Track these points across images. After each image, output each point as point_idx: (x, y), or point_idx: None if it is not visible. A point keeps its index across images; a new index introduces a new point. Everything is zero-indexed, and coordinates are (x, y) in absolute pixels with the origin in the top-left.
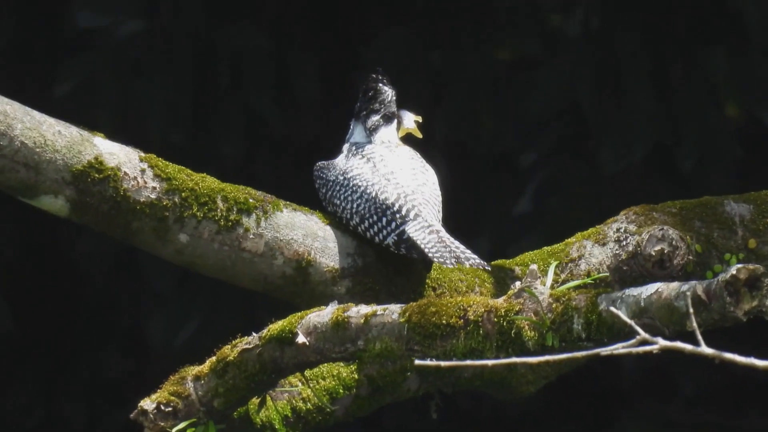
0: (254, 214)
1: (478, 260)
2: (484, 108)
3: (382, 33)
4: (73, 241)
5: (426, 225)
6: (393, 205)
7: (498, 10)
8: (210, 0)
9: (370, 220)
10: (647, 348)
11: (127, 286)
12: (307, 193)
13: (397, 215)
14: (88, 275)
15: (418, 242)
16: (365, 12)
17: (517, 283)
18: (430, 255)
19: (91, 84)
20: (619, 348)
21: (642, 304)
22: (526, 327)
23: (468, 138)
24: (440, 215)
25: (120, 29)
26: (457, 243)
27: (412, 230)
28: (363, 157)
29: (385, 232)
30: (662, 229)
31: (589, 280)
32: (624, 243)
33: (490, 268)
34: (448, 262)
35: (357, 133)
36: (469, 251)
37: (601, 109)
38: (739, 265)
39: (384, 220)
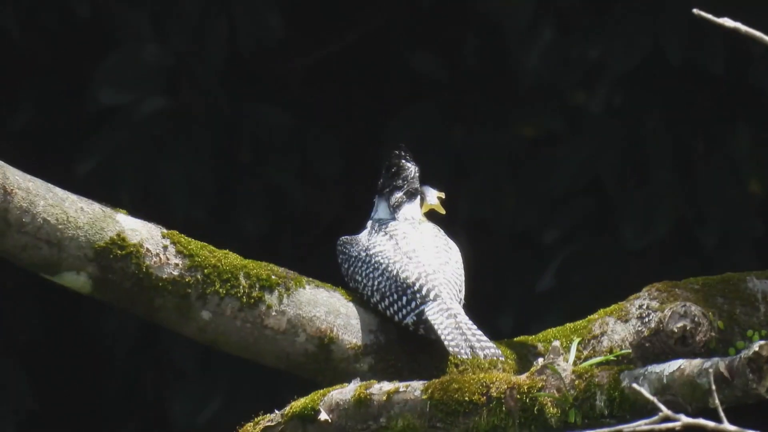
0: (276, 291)
1: (492, 350)
2: (506, 185)
3: (405, 109)
4: (96, 318)
5: (445, 308)
6: (414, 284)
7: (521, 86)
8: (231, 77)
9: (391, 299)
10: (670, 425)
11: (151, 364)
12: (330, 269)
13: (417, 295)
14: (111, 353)
15: (436, 327)
16: (387, 87)
17: (540, 360)
18: (446, 343)
19: (113, 161)
20: (641, 425)
21: (664, 380)
22: (549, 404)
23: (491, 215)
24: (462, 294)
25: (142, 106)
26: (474, 329)
27: (431, 313)
28: (386, 234)
29: (405, 311)
30: (684, 305)
31: (611, 357)
32: (646, 320)
33: (503, 359)
34: (462, 352)
35: (381, 209)
36: (485, 339)
37: (623, 185)
38: (762, 342)
39: (404, 299)
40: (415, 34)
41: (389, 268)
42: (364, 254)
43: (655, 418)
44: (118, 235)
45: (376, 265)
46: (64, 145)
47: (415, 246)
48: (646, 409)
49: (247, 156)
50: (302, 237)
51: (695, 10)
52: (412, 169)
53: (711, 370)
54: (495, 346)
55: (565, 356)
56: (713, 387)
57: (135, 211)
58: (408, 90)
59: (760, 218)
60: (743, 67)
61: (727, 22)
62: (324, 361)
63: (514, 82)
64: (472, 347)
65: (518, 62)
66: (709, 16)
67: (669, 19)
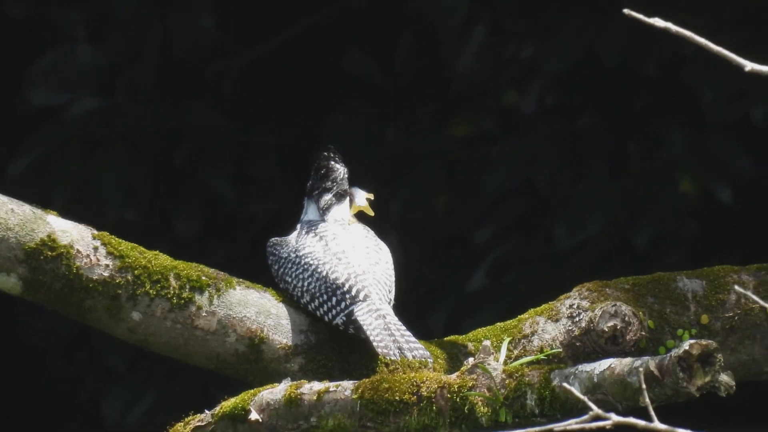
0: (207, 292)
1: (421, 351)
2: (439, 185)
3: (338, 109)
4: (28, 319)
5: (374, 308)
6: (343, 285)
7: (454, 86)
8: (166, 79)
9: (320, 299)
10: (600, 423)
11: (83, 364)
12: (264, 271)
13: (347, 296)
14: (44, 354)
15: (365, 327)
16: (321, 88)
17: (471, 359)
18: (374, 344)
19: (46, 162)
20: (572, 424)
21: (595, 379)
22: (480, 403)
23: (423, 215)
24: (392, 294)
25: (75, 107)
26: (403, 330)
27: (360, 313)
28: (315, 235)
29: (334, 311)
30: (615, 305)
31: (542, 356)
32: (577, 319)
33: (432, 361)
34: (391, 353)
35: (310, 211)
36: (414, 340)
37: (557, 185)
38: (692, 341)
39: (334, 299)
40: (349, 35)
41: (319, 269)
42: (293, 255)
43: (586, 417)
44: (49, 236)
45: (305, 266)
46: None
47: (344, 247)
48: (576, 408)
49: (182, 157)
50: (236, 238)
51: (626, 10)
52: (341, 170)
53: (641, 369)
54: (424, 347)
55: (495, 355)
56: (643, 386)
57: (68, 213)
58: (342, 90)
59: (693, 219)
60: (676, 68)
61: (658, 22)
62: (254, 361)
63: (448, 82)
64: (400, 348)
65: (451, 62)
66: (640, 16)
67: (603, 20)
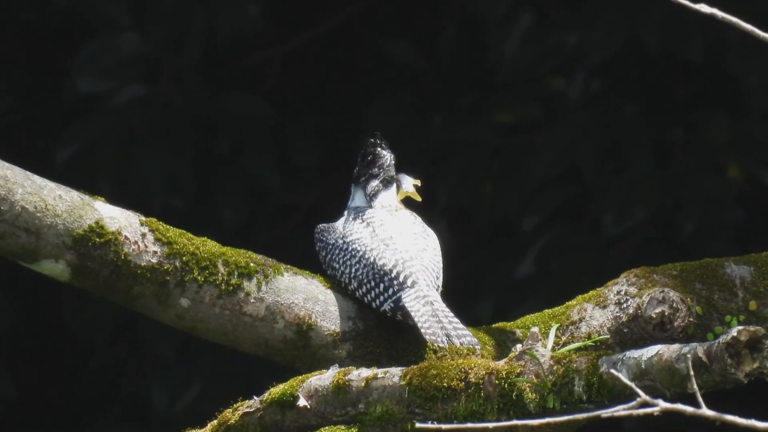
0: (255, 278)
1: (469, 338)
2: (484, 172)
3: (382, 97)
4: (74, 307)
5: (422, 295)
6: (391, 271)
7: (498, 74)
8: (209, 66)
9: (368, 286)
10: (648, 410)
11: (129, 352)
12: (309, 257)
13: (395, 282)
14: (90, 341)
15: (412, 314)
16: (364, 76)
17: (519, 346)
18: (422, 331)
19: (91, 150)
20: (620, 410)
21: (643, 366)
22: (528, 389)
23: (468, 202)
24: (440, 281)
25: (119, 95)
26: (451, 316)
27: (408, 300)
28: (363, 221)
29: (382, 298)
30: (663, 291)
31: (589, 343)
32: (624, 305)
33: (480, 348)
34: (439, 340)
35: (357, 197)
36: (462, 327)
37: (601, 173)
38: (740, 327)
39: (381, 286)
40: (392, 23)
41: (366, 255)
42: (341, 242)
43: (633, 403)
44: (97, 222)
45: (353, 252)
46: (42, 134)
47: (392, 233)
48: (624, 395)
49: (225, 146)
50: (280, 225)
51: None
52: (387, 156)
53: (689, 356)
54: (471, 334)
55: (543, 342)
56: (691, 372)
57: (114, 200)
58: (385, 78)
59: (738, 205)
60: (721, 55)
61: (703, 8)
62: (302, 348)
63: (492, 70)
64: (448, 335)
65: (496, 50)
66: (685, 2)
67: (646, 6)
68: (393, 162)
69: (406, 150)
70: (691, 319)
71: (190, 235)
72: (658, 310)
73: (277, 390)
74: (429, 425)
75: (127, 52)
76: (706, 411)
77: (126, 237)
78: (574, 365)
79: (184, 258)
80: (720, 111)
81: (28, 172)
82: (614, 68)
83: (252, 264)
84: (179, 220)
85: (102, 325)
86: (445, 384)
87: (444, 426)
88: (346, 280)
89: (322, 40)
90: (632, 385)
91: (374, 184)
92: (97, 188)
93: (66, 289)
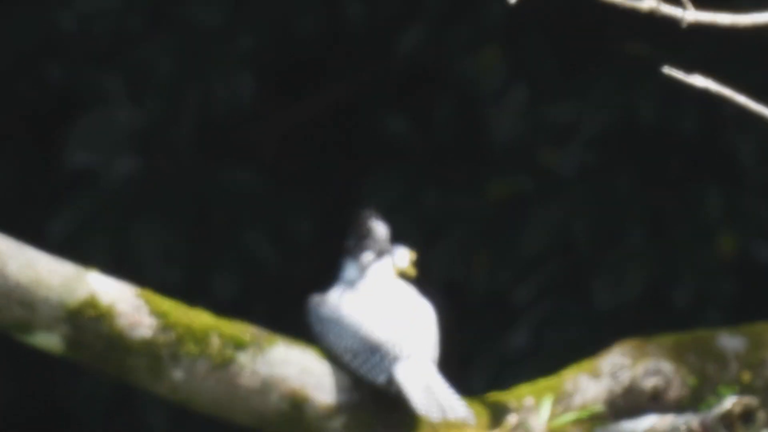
0: (250, 351)
1: (463, 411)
2: (477, 245)
3: (377, 170)
4: (68, 381)
5: (416, 367)
6: (385, 343)
7: (493, 148)
8: (204, 139)
9: (362, 358)
10: None
11: (124, 426)
12: (303, 329)
13: (389, 353)
14: (84, 417)
15: (406, 386)
16: (360, 149)
17: (513, 417)
18: (415, 404)
19: (85, 223)
20: None
21: None
22: None
23: (463, 276)
24: (436, 352)
25: (113, 168)
26: (446, 389)
27: (402, 372)
28: (356, 293)
29: (376, 370)
30: (656, 363)
31: (584, 414)
32: (619, 377)
33: (474, 421)
34: (433, 414)
35: (351, 269)
36: (456, 399)
37: (595, 245)
38: (734, 399)
39: (375, 357)
40: (387, 96)
41: (360, 327)
42: (334, 314)
43: None
44: (91, 295)
45: (346, 325)
46: (37, 207)
47: (386, 304)
48: None
49: (220, 219)
50: (275, 297)
51: (665, 69)
52: (381, 229)
53: (683, 427)
54: (466, 406)
55: (538, 413)
56: None
57: (108, 272)
58: (381, 151)
59: (732, 277)
60: (715, 128)
61: (698, 80)
62: (297, 420)
63: (486, 144)
64: (442, 409)
65: (491, 124)
66: (679, 75)
67: (641, 79)
68: (387, 234)
69: (401, 223)
70: (685, 391)
71: (185, 307)
72: (652, 382)
73: None
74: None
75: (121, 125)
76: None
77: (120, 309)
78: None
79: (178, 330)
80: (714, 184)
81: (22, 245)
82: (608, 141)
83: (246, 336)
84: (174, 293)
85: (96, 399)
86: None
87: None
88: (340, 352)
89: (317, 113)
90: None
91: (368, 255)
92: (92, 260)
93: (59, 364)
